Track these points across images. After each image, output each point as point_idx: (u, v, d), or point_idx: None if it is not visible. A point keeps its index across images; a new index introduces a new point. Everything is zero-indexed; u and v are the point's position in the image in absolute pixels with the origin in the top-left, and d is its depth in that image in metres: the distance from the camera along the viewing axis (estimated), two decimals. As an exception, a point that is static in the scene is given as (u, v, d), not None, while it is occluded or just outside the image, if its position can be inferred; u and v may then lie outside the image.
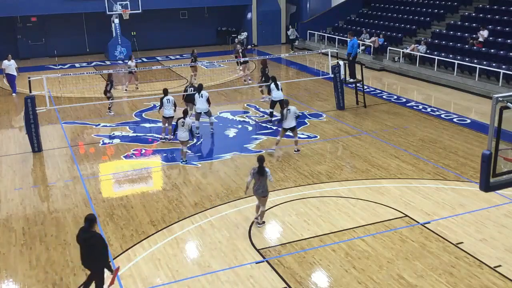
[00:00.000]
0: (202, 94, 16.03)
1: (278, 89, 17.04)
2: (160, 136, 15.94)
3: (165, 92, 15.69)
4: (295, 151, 14.68)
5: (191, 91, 16.90)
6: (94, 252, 7.86)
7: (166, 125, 15.75)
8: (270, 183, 10.60)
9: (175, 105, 15.67)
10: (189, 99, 17.05)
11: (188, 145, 14.23)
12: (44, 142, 15.60)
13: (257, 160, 10.44)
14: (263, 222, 10.74)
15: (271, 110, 17.45)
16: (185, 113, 13.95)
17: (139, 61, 29.25)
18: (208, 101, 16.08)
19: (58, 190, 12.72)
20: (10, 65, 21.78)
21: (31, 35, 30.31)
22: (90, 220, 7.87)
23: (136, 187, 12.87)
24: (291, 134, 14.68)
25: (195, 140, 15.81)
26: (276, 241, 10.16)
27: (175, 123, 14.23)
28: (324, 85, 22.16)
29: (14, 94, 21.85)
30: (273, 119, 17.47)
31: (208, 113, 16.34)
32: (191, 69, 22.91)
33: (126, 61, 21.49)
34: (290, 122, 14.28)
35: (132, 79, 21.94)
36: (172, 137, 15.03)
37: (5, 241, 10.41)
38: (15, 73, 22.06)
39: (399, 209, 11.28)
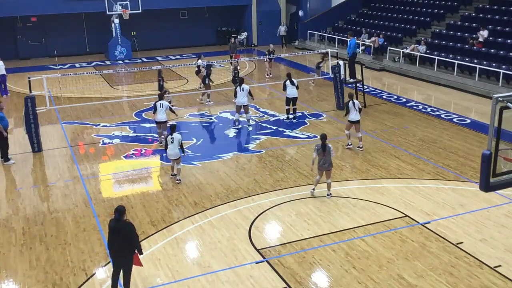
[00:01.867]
0: (243, 88, 16.33)
1: (293, 86, 17.10)
2: (159, 140, 15.64)
3: (160, 96, 15.25)
4: (359, 147, 14.69)
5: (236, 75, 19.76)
6: (129, 240, 8.17)
7: (161, 130, 15.24)
8: (333, 158, 11.77)
9: (171, 110, 15.36)
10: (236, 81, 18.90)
11: (180, 163, 13.01)
12: (44, 142, 15.61)
13: (320, 138, 11.64)
14: (330, 194, 11.89)
15: (287, 107, 17.49)
16: (173, 128, 12.75)
17: (139, 61, 29.29)
18: (250, 94, 16.63)
19: (58, 190, 12.72)
20: (2, 66, 21.38)
21: (31, 35, 30.31)
22: (120, 210, 8.14)
23: (136, 187, 12.87)
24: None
25: (194, 140, 15.82)
26: (276, 241, 10.16)
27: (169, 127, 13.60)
28: (324, 85, 22.16)
29: (7, 95, 21.58)
30: (289, 116, 17.55)
31: (246, 108, 16.58)
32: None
33: (199, 59, 22.01)
34: (355, 116, 14.37)
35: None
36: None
37: (5, 241, 10.41)
38: (5, 73, 21.68)
39: (399, 209, 11.28)
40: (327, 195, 11.84)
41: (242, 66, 26.90)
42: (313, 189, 11.95)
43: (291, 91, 17.18)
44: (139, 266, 8.66)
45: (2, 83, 21.61)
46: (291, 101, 17.38)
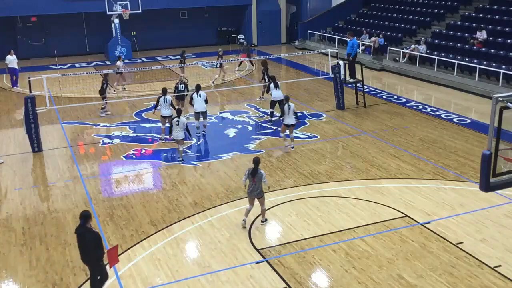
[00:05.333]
0: (200, 94, 16.01)
1: (277, 88, 17.05)
2: (160, 136, 15.95)
3: (164, 91, 15.65)
4: (291, 147, 14.82)
5: (181, 88, 17.87)
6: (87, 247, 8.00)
7: (166, 124, 15.63)
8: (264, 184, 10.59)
9: (172, 105, 15.65)
10: (180, 97, 17.94)
11: (184, 145, 14.33)
12: (44, 142, 15.60)
13: (253, 161, 10.49)
14: (266, 220, 10.84)
15: (271, 110, 17.46)
16: (179, 112, 14.06)
17: (139, 61, 29.27)
18: (206, 101, 16.11)
19: (58, 190, 12.71)
20: (15, 60, 23.07)
21: (31, 35, 30.32)
22: (85, 216, 7.99)
23: (136, 187, 12.87)
24: (292, 134, 14.69)
25: (194, 140, 15.84)
26: (276, 241, 10.16)
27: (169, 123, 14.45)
28: (324, 85, 22.16)
29: (15, 87, 22.96)
30: (273, 118, 17.49)
31: (204, 115, 16.23)
32: (180, 69, 23.04)
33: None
34: (290, 120, 14.40)
35: (222, 72, 22.61)
36: (169, 137, 14.98)
37: (5, 241, 10.41)
38: (17, 67, 23.33)
39: (399, 209, 11.28)
40: (261, 221, 10.75)
41: (243, 66, 26.87)
42: (244, 220, 10.55)
43: (277, 94, 17.07)
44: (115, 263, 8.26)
45: (15, 75, 23.20)
46: (276, 103, 17.25)
